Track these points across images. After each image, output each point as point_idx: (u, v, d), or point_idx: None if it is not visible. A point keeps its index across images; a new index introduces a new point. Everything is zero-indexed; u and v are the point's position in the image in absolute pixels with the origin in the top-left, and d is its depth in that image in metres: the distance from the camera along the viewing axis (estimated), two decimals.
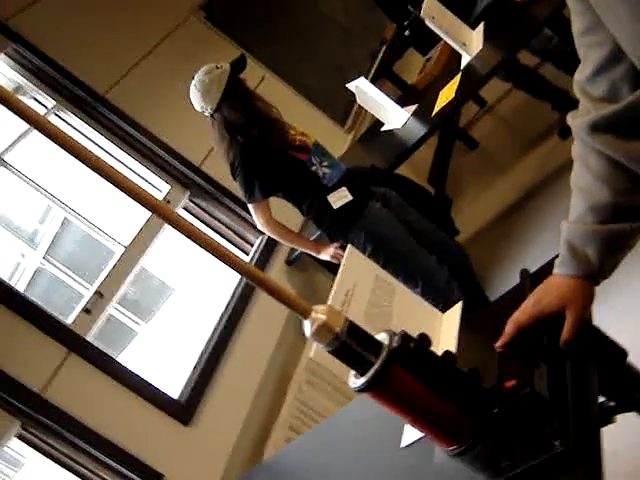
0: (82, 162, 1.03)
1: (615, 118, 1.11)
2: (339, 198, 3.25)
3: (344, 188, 3.27)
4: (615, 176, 1.14)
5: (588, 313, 1.17)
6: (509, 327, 1.18)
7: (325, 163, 3.34)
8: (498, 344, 1.18)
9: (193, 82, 3.36)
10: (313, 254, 3.66)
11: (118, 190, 1.04)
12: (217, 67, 3.35)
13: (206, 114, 3.39)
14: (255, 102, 3.41)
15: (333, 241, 3.46)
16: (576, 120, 1.19)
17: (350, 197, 3.26)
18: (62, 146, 1.02)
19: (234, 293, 4.04)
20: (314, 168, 3.30)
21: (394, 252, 3.17)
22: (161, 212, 1.07)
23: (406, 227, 3.28)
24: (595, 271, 1.16)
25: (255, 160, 3.31)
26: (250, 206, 3.44)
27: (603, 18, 1.06)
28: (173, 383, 3.69)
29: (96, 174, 1.04)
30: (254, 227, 3.62)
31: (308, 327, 1.05)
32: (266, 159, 3.32)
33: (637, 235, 1.17)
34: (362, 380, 1.04)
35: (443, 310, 1.72)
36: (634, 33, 1.00)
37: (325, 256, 3.53)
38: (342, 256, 3.27)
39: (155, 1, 5.02)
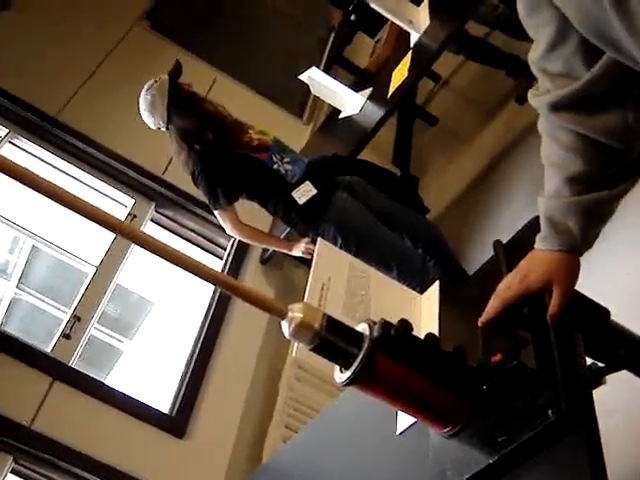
0: (33, 189, 1.00)
1: (574, 96, 1.10)
2: (304, 193, 3.22)
3: (307, 182, 3.24)
4: (586, 147, 1.13)
5: (574, 285, 1.16)
6: (494, 304, 1.17)
7: (286, 159, 3.31)
8: (482, 320, 1.17)
9: (139, 104, 3.36)
10: (285, 252, 3.65)
11: (77, 214, 1.02)
12: (155, 81, 3.34)
13: (163, 129, 3.38)
14: (202, 104, 3.40)
15: (303, 236, 3.44)
16: (537, 99, 1.18)
17: (314, 191, 3.23)
18: (11, 176, 0.99)
19: (212, 298, 4.01)
20: (276, 167, 3.27)
21: (364, 240, 3.15)
22: (122, 230, 1.05)
23: (374, 213, 3.26)
24: (578, 243, 1.15)
25: (215, 167, 3.29)
26: (216, 213, 3.41)
27: None
28: (164, 397, 3.66)
29: (53, 200, 1.01)
30: (224, 230, 3.59)
31: (286, 327, 1.04)
32: (226, 164, 3.30)
33: (616, 202, 1.16)
34: (347, 374, 1.03)
35: (421, 291, 1.71)
36: (580, 8, 0.99)
37: (297, 252, 3.52)
38: (313, 250, 3.27)
39: (97, 16, 4.95)
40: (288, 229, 3.56)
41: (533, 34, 1.14)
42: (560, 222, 1.15)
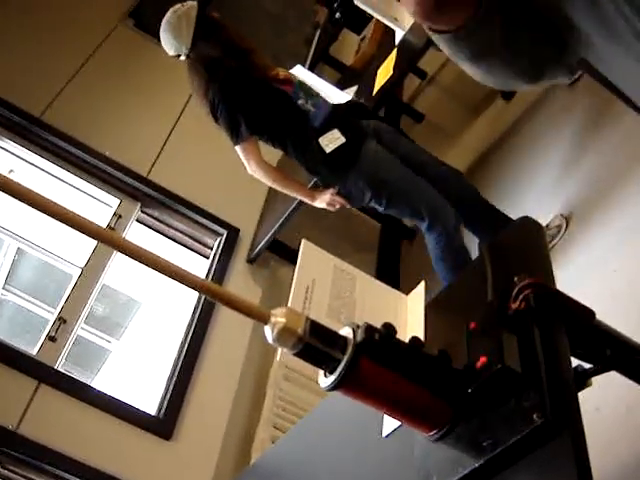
0: (12, 196, 0.99)
1: None
2: (331, 140, 3.01)
3: (336, 130, 3.03)
4: None
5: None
6: None
7: (310, 102, 3.13)
8: None
9: (162, 27, 3.20)
10: (307, 201, 3.35)
11: (58, 221, 1.00)
12: (182, 5, 3.19)
13: (182, 57, 3.22)
14: (230, 34, 3.24)
15: (328, 187, 3.20)
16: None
17: (343, 139, 3.02)
18: None
19: (200, 298, 3.98)
20: (301, 102, 3.10)
21: (396, 194, 3.01)
22: (103, 237, 1.04)
23: (405, 161, 3.10)
24: None
25: (237, 96, 3.10)
26: (238, 148, 3.18)
27: None
28: (152, 398, 3.64)
29: (31, 207, 1.00)
30: (210, 230, 3.54)
31: (269, 333, 1.03)
32: (249, 92, 3.12)
33: None
34: (331, 378, 1.02)
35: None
36: None
37: (321, 203, 3.25)
38: (340, 203, 3.18)
39: (80, 16, 4.91)
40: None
41: None
42: None
